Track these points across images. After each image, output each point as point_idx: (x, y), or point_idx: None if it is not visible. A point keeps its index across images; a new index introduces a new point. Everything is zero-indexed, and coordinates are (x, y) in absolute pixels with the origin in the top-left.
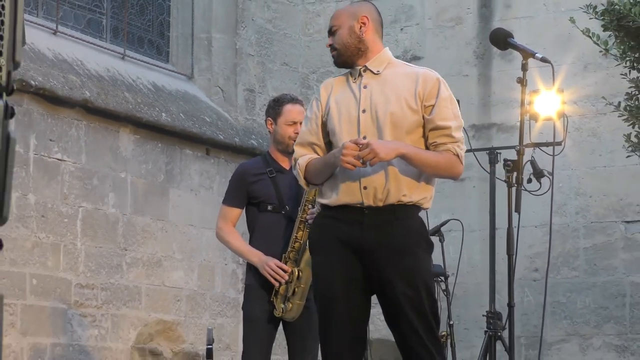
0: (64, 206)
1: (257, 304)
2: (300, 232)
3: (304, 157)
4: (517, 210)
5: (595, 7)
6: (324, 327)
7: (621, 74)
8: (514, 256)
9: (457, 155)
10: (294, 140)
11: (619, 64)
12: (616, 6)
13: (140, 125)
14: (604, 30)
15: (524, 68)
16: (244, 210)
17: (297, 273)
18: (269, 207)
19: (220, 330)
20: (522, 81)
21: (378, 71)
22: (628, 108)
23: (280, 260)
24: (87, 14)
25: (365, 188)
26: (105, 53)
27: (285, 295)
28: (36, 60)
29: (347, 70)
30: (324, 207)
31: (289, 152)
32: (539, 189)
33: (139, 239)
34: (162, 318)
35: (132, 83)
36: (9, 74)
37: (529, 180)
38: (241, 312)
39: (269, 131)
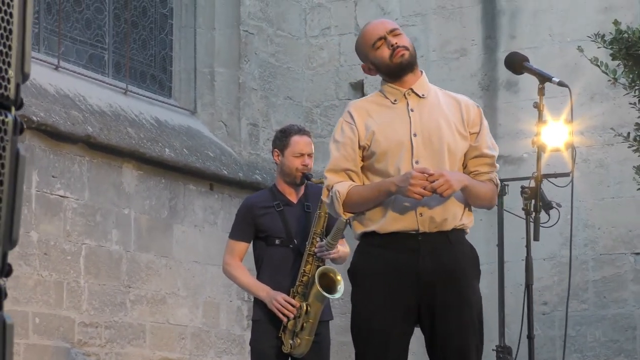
0: (67, 243)
1: (266, 339)
2: (309, 266)
3: (341, 184)
4: (536, 238)
5: (604, 35)
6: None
7: (630, 104)
8: (531, 287)
9: (497, 186)
10: (302, 173)
11: (628, 93)
12: (625, 34)
13: (143, 161)
14: (612, 59)
15: (541, 93)
16: (251, 244)
17: (305, 308)
18: (277, 241)
19: None
20: (538, 106)
21: (423, 95)
22: (638, 138)
23: (289, 295)
24: (89, 49)
25: (421, 215)
26: (108, 88)
27: (294, 330)
28: (38, 96)
29: (370, 95)
30: (369, 235)
31: (296, 184)
32: (548, 221)
33: (143, 275)
34: (167, 356)
35: (134, 118)
36: (17, 86)
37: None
38: (246, 349)
39: (276, 163)
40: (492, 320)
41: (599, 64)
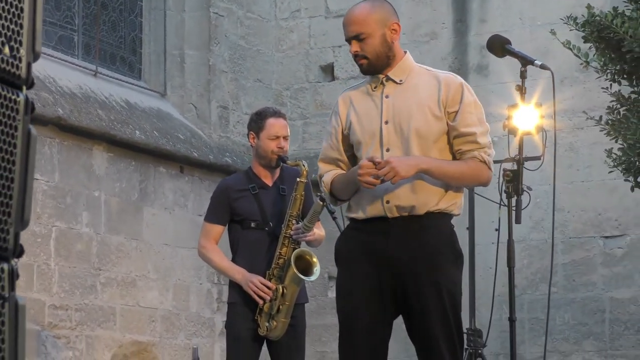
0: (37, 226)
1: (241, 322)
2: (285, 248)
3: (328, 173)
4: (518, 221)
5: (576, 18)
6: (343, 340)
7: (602, 88)
8: (512, 269)
9: (485, 162)
10: (277, 155)
11: (600, 77)
12: (597, 17)
13: (113, 143)
14: (584, 42)
15: (523, 76)
16: (227, 227)
17: (281, 290)
18: (253, 224)
19: None
20: (521, 89)
21: (401, 80)
22: (610, 122)
23: (265, 278)
24: (58, 30)
25: (387, 202)
26: (78, 70)
27: (270, 313)
28: None
29: (363, 80)
30: (352, 220)
31: (271, 167)
32: None
33: (113, 258)
34: (137, 339)
35: (105, 100)
36: (29, 65)
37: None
38: (216, 332)
39: (251, 145)
40: (462, 303)
41: (571, 47)
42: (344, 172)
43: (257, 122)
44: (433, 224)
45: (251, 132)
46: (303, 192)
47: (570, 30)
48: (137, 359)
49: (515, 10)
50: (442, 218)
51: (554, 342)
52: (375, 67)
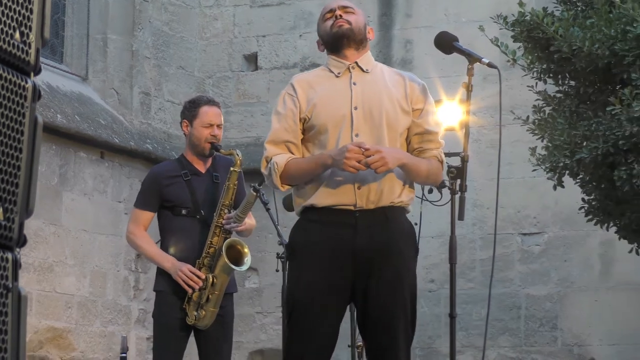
0: None
1: (169, 311)
2: (216, 238)
3: (280, 156)
4: (461, 217)
5: (506, 17)
6: (294, 333)
7: (528, 86)
8: (454, 265)
9: (442, 162)
10: (210, 143)
11: (526, 75)
12: (527, 17)
13: None
14: (514, 41)
15: (470, 73)
16: (156, 214)
17: (211, 279)
18: (184, 211)
19: (111, 339)
20: (467, 86)
21: (368, 70)
22: (536, 122)
23: (194, 266)
24: None
25: (359, 188)
26: None
27: (199, 302)
28: None
29: (318, 67)
30: (308, 210)
31: (204, 155)
32: (440, 199)
33: (31, 243)
34: (53, 325)
35: None
36: (37, 51)
37: (430, 191)
38: (132, 319)
39: (184, 134)
40: None
41: (499, 44)
42: (296, 156)
43: (191, 110)
44: (396, 218)
45: (184, 120)
46: (236, 182)
47: (500, 29)
48: (52, 345)
49: (441, 6)
50: (402, 212)
51: (470, 337)
52: (352, 36)
